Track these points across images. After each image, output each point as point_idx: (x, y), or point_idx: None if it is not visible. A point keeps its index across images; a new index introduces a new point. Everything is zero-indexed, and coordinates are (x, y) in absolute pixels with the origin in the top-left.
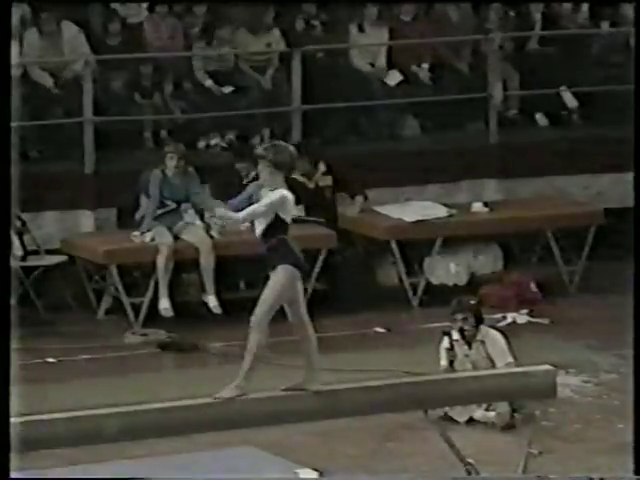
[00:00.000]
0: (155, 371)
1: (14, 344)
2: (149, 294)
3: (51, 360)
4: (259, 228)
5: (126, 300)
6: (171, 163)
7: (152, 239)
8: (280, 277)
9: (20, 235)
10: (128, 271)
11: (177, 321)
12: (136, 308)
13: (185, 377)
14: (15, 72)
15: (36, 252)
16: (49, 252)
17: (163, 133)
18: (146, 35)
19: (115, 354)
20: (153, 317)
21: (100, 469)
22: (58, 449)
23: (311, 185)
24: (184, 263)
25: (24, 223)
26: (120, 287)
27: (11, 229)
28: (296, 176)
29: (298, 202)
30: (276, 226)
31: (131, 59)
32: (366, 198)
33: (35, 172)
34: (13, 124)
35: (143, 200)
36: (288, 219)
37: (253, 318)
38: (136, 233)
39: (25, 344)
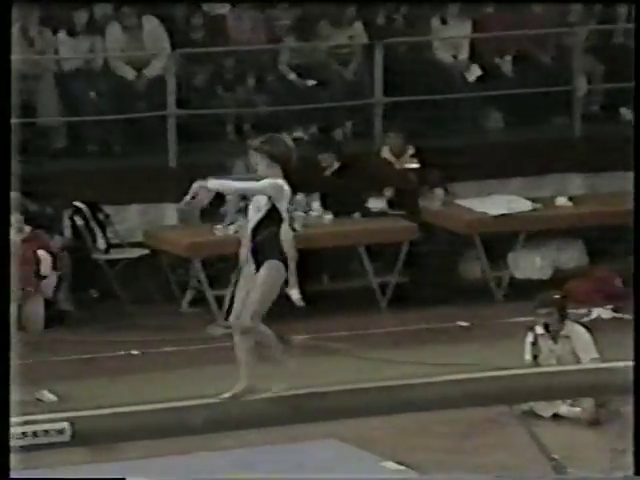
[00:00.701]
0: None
1: (98, 337)
2: (232, 287)
3: (135, 352)
4: (254, 219)
5: (209, 292)
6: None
7: (235, 232)
8: (271, 272)
9: (103, 228)
10: (211, 263)
11: None
12: (219, 300)
13: (267, 369)
14: (97, 66)
15: (119, 245)
16: (132, 245)
17: (246, 126)
18: (229, 28)
19: (198, 346)
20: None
21: (183, 461)
22: (143, 441)
23: (398, 166)
24: None
25: (107, 216)
26: (203, 279)
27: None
28: (386, 155)
29: (382, 187)
30: (272, 217)
31: (214, 52)
32: (446, 191)
33: (119, 166)
34: (96, 118)
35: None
36: (284, 212)
37: (244, 318)
38: (219, 226)
39: (109, 337)
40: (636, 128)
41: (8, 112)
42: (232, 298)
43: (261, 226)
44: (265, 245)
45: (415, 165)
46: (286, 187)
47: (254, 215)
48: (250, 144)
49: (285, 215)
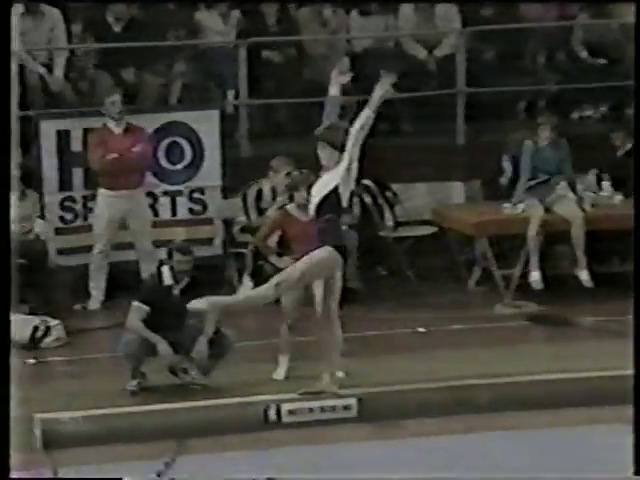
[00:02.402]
0: (524, 343)
1: (386, 314)
2: (519, 266)
3: (421, 330)
4: (315, 199)
5: (497, 271)
6: (543, 134)
7: (523, 211)
8: (317, 254)
9: (391, 206)
10: (498, 242)
11: (547, 294)
12: (506, 279)
13: (554, 351)
14: (388, 45)
15: (407, 223)
16: (420, 223)
17: (537, 104)
18: (520, 5)
19: (485, 325)
20: (523, 289)
21: (467, 440)
22: (432, 418)
23: None
24: (555, 236)
25: (395, 194)
26: (491, 258)
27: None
28: None
29: None
30: (331, 201)
31: (504, 30)
32: None
33: (407, 144)
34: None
35: (505, 164)
36: (345, 195)
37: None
38: (507, 205)
39: (396, 314)
40: (636, 128)
41: (8, 110)
42: (518, 277)
43: (322, 209)
44: (323, 232)
45: None
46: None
47: (315, 197)
48: (314, 133)
49: (345, 204)
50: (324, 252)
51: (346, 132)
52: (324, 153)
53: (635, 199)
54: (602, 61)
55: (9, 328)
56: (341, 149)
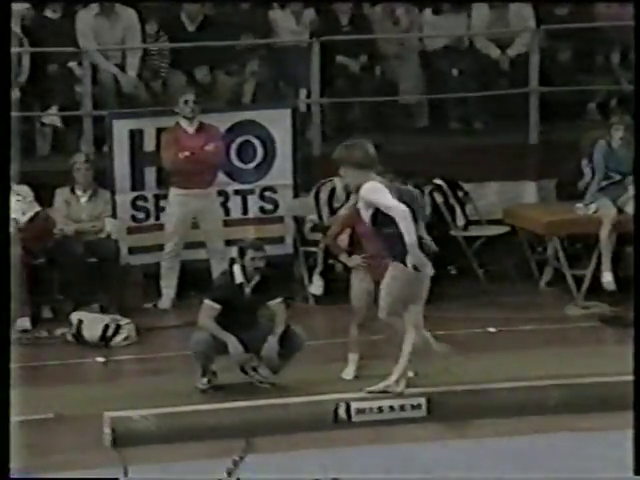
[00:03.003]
0: (596, 345)
1: (456, 313)
2: (592, 266)
3: (491, 330)
4: (366, 216)
5: (568, 272)
6: (617, 134)
7: (595, 211)
8: (392, 275)
9: (462, 205)
10: (571, 243)
11: (620, 295)
12: (578, 280)
13: (626, 352)
14: (462, 44)
15: (478, 222)
16: (491, 222)
17: (610, 104)
18: (594, 4)
19: (556, 326)
20: (595, 290)
21: (536, 440)
22: (500, 418)
23: None
24: (628, 237)
25: (467, 193)
26: (562, 259)
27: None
28: None
29: None
30: (381, 217)
31: (578, 28)
32: None
33: (479, 143)
34: (459, 95)
35: (585, 169)
36: (393, 209)
37: (380, 315)
38: (580, 205)
39: (466, 313)
40: (636, 128)
41: (8, 110)
42: (590, 278)
43: (376, 224)
44: (386, 244)
45: None
46: (378, 185)
47: (365, 213)
48: (333, 156)
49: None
50: (399, 281)
51: (365, 149)
52: (348, 175)
53: (635, 199)
54: None
55: (9, 328)
56: (363, 167)
